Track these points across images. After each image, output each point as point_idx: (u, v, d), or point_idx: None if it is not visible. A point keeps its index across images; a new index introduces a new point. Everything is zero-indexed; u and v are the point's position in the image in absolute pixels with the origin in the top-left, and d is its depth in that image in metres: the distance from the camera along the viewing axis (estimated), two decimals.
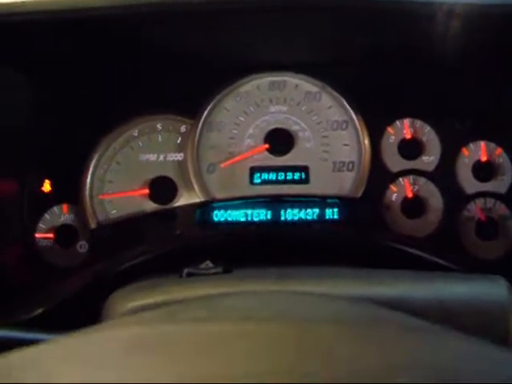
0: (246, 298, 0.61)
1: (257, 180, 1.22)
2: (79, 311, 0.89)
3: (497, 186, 1.20)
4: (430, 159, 1.21)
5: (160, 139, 1.23)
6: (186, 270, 0.84)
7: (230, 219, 1.20)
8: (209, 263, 0.86)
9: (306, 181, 1.21)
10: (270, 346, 0.42)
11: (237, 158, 1.22)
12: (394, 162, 1.21)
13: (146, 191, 1.21)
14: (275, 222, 1.20)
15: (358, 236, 1.15)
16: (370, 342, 0.42)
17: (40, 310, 0.99)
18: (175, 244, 1.12)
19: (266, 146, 1.21)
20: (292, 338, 0.43)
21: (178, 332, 0.47)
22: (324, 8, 1.01)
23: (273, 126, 1.22)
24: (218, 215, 1.20)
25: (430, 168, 1.21)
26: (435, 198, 1.20)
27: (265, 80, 1.23)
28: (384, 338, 0.42)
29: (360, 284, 0.73)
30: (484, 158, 1.20)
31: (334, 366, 0.37)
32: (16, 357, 0.45)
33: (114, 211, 1.22)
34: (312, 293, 0.70)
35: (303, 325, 0.45)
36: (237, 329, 0.46)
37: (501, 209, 1.19)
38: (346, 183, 1.21)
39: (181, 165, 1.22)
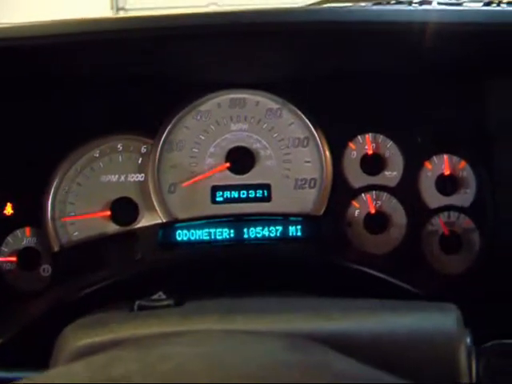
0: (180, 344, 0.60)
1: (219, 199, 1.21)
2: (39, 340, 0.89)
3: (460, 199, 1.20)
4: (392, 174, 1.21)
5: (121, 160, 1.22)
6: (137, 303, 0.84)
7: (192, 239, 1.20)
8: (161, 294, 0.86)
9: (268, 199, 1.21)
10: None
11: (198, 178, 1.21)
12: (356, 177, 1.21)
13: (108, 213, 1.21)
14: (238, 241, 1.19)
15: (320, 254, 1.15)
16: None
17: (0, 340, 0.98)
18: (136, 268, 1.12)
19: (227, 164, 1.21)
20: None
21: None
22: (282, 32, 1.00)
23: (234, 145, 1.22)
24: (181, 235, 1.20)
25: (393, 183, 1.21)
26: (398, 214, 1.20)
27: (225, 98, 1.23)
28: None
29: (307, 319, 0.73)
30: (447, 172, 1.20)
31: None
32: None
33: (77, 233, 1.21)
34: (251, 331, 0.69)
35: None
36: None
37: (465, 222, 1.20)
38: (308, 200, 1.21)
39: (142, 185, 1.22)
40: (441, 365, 0.70)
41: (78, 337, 0.77)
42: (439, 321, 0.73)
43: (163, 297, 0.85)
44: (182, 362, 0.52)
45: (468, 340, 0.73)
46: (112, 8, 2.44)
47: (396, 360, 0.70)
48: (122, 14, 2.32)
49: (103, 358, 0.57)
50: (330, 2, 1.32)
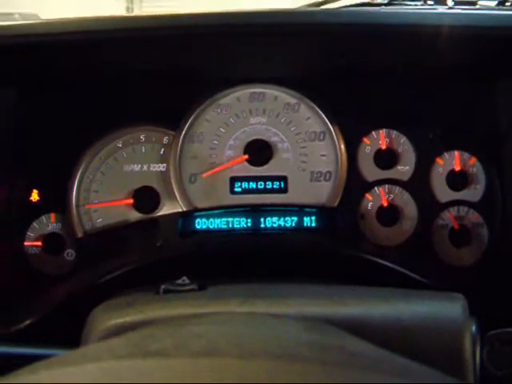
0: (209, 323, 0.65)
1: (237, 189, 1.26)
2: (66, 322, 0.94)
3: (470, 194, 1.24)
4: (404, 169, 1.25)
5: (143, 150, 1.26)
6: (162, 287, 0.88)
7: (211, 227, 1.24)
8: (185, 279, 0.90)
9: (284, 190, 1.25)
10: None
11: (217, 169, 1.26)
12: (369, 171, 1.25)
13: (131, 201, 1.25)
14: (255, 230, 1.24)
15: (334, 244, 1.19)
16: (310, 381, 0.46)
17: (27, 322, 1.03)
18: (157, 255, 1.16)
19: (246, 156, 1.25)
20: (239, 375, 0.47)
21: (143, 368, 0.51)
22: (301, 32, 1.04)
23: (252, 137, 1.26)
24: (200, 223, 1.24)
25: (405, 177, 1.25)
26: (410, 207, 1.24)
27: (245, 92, 1.27)
28: (324, 377, 0.47)
29: (322, 304, 0.78)
30: (458, 168, 1.24)
31: None
32: None
33: (100, 220, 1.26)
34: (272, 314, 0.74)
35: (251, 361, 0.49)
36: (194, 364, 0.50)
37: (474, 217, 1.23)
38: (323, 192, 1.25)
39: (163, 175, 1.26)
40: (446, 351, 0.75)
41: (107, 317, 0.81)
42: (446, 309, 0.77)
43: (187, 281, 0.90)
44: (212, 340, 0.56)
45: (473, 328, 0.77)
46: (127, 11, 2.46)
47: (404, 345, 0.74)
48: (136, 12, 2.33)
49: (139, 335, 0.62)
50: (327, 3, 1.36)
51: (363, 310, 0.76)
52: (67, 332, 0.87)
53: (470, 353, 0.73)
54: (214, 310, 0.77)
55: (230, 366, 0.49)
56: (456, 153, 1.24)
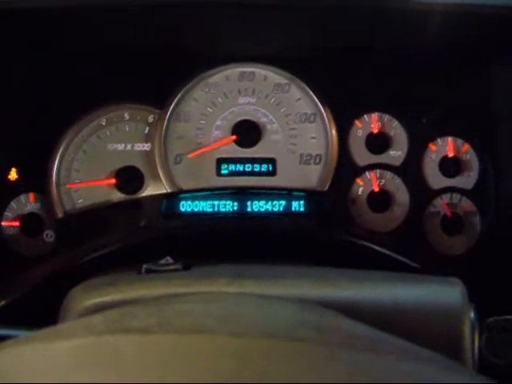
0: (195, 301, 0.61)
1: (224, 171, 1.22)
2: (43, 303, 0.90)
3: (463, 181, 1.21)
4: (397, 154, 1.22)
5: (127, 129, 1.22)
6: (144, 266, 0.84)
7: (196, 210, 1.20)
8: (168, 259, 0.86)
9: (272, 173, 1.22)
10: (209, 363, 0.43)
11: (204, 149, 1.22)
12: (361, 155, 1.22)
13: (113, 181, 1.21)
14: (242, 214, 1.20)
15: (323, 229, 1.15)
16: (306, 361, 0.42)
17: (3, 302, 0.99)
18: (140, 235, 1.12)
19: (234, 137, 1.22)
20: (230, 354, 0.43)
21: (123, 345, 0.47)
22: (291, 7, 1.01)
23: (241, 118, 1.23)
24: (185, 206, 1.20)
25: (397, 163, 1.22)
26: (401, 193, 1.21)
27: (234, 71, 1.23)
28: (320, 357, 0.43)
29: (315, 286, 0.74)
30: (451, 154, 1.21)
31: None
32: None
33: (81, 200, 1.22)
34: (263, 295, 0.70)
35: (243, 339, 0.45)
36: (180, 342, 0.46)
37: (467, 204, 1.21)
38: (313, 176, 1.22)
39: (148, 155, 1.22)
40: (445, 337, 0.71)
41: (86, 296, 0.77)
42: (445, 294, 0.74)
43: (171, 261, 0.85)
44: (198, 318, 0.52)
45: (472, 314, 0.74)
46: None
47: (401, 329, 0.71)
48: None
49: (117, 313, 0.58)
50: None
51: (357, 292, 0.72)
52: (45, 313, 0.82)
53: (470, 339, 0.70)
54: (199, 289, 0.73)
55: (219, 343, 0.45)
56: (449, 139, 1.22)
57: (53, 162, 1.21)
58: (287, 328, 0.51)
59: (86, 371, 0.44)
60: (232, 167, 1.22)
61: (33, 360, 0.48)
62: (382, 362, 0.44)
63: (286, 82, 1.23)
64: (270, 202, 1.20)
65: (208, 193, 1.21)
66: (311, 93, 1.22)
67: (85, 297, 0.77)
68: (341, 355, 0.44)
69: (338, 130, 1.22)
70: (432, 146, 1.22)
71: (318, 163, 1.21)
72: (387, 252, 1.03)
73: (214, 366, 0.43)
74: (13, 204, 1.21)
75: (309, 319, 0.56)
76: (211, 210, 1.20)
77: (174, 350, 0.45)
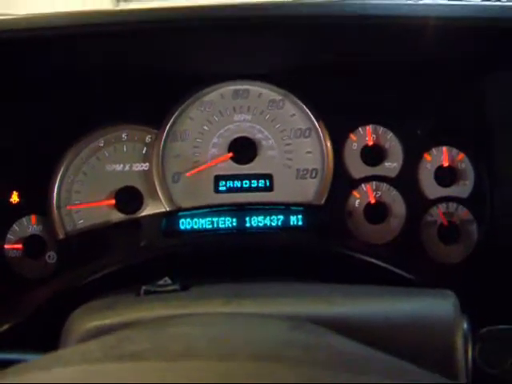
0: (190, 324, 0.63)
1: (222, 188, 1.23)
2: (47, 325, 0.91)
3: (459, 190, 1.22)
4: (392, 165, 1.23)
5: (125, 149, 1.24)
6: (143, 288, 0.86)
7: (196, 227, 1.22)
8: (167, 279, 0.88)
9: (270, 188, 1.23)
10: None
11: (201, 167, 1.23)
12: (356, 168, 1.23)
13: (112, 201, 1.22)
14: (241, 229, 1.21)
15: (321, 243, 1.17)
16: (293, 381, 0.44)
17: (6, 326, 1.00)
18: (141, 255, 1.14)
19: (230, 154, 1.23)
20: (218, 378, 0.45)
21: (117, 372, 0.49)
22: (284, 26, 1.02)
23: (237, 135, 1.24)
24: (184, 223, 1.22)
25: (393, 174, 1.23)
26: (398, 204, 1.22)
27: (228, 89, 1.25)
28: (305, 378, 0.44)
29: (308, 303, 0.75)
30: (446, 164, 1.22)
31: None
32: None
33: (82, 221, 1.23)
34: (257, 314, 0.72)
35: (231, 363, 0.47)
36: (171, 368, 0.48)
37: (463, 213, 1.22)
38: (310, 190, 1.23)
39: (146, 174, 1.23)
40: (438, 349, 0.73)
41: (86, 320, 0.79)
42: (437, 306, 0.75)
43: (169, 282, 0.87)
44: (191, 342, 0.54)
45: (465, 325, 0.75)
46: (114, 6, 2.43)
47: (394, 344, 0.72)
48: (122, 6, 2.30)
49: (115, 338, 0.60)
50: None
51: (349, 308, 0.74)
52: (47, 336, 0.84)
53: (462, 351, 0.71)
54: (196, 310, 0.74)
55: (209, 368, 0.46)
56: (444, 148, 1.23)
57: (53, 184, 1.23)
58: (275, 348, 0.52)
59: None
60: (230, 184, 1.23)
61: None
62: (368, 382, 0.45)
63: (280, 98, 1.24)
64: (268, 217, 1.21)
65: (207, 210, 1.22)
66: (305, 108, 1.23)
67: (85, 320, 0.79)
68: (325, 377, 0.45)
69: (333, 144, 1.23)
70: (427, 156, 1.23)
71: (315, 177, 1.23)
72: (383, 264, 1.04)
73: None
74: (15, 226, 1.23)
75: (297, 338, 0.57)
76: (210, 226, 1.22)
77: (165, 377, 0.46)
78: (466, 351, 0.74)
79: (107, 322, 0.77)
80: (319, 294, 0.78)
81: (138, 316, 0.76)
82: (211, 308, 0.75)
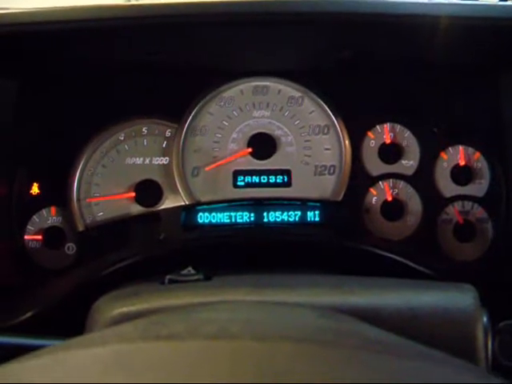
0: (219, 310, 0.64)
1: (240, 183, 1.25)
2: (67, 314, 0.92)
3: (475, 189, 1.23)
4: (409, 163, 1.24)
5: (145, 143, 1.25)
6: (168, 277, 0.87)
7: (214, 221, 1.23)
8: (190, 269, 0.89)
9: (288, 184, 1.24)
10: (234, 366, 0.45)
11: (221, 162, 1.25)
12: (374, 165, 1.25)
13: (132, 194, 1.24)
14: (258, 224, 1.22)
15: (338, 238, 1.17)
16: (326, 363, 0.45)
17: (29, 314, 1.01)
18: (160, 247, 1.15)
19: (249, 150, 1.24)
20: (254, 357, 0.46)
21: (154, 350, 0.50)
22: (306, 21, 1.03)
23: (256, 131, 1.25)
24: (203, 217, 1.23)
25: (410, 172, 1.24)
26: (414, 202, 1.23)
27: (248, 85, 1.26)
28: (339, 359, 0.45)
29: (332, 293, 0.76)
30: (462, 162, 1.23)
31: None
32: None
33: (101, 214, 1.24)
34: (283, 302, 0.73)
35: (266, 343, 0.48)
36: (208, 347, 0.49)
37: (478, 212, 1.23)
38: (328, 186, 1.24)
39: (166, 168, 1.25)
40: (458, 341, 0.73)
41: (112, 307, 0.79)
42: (458, 299, 0.76)
43: (192, 272, 0.88)
44: (224, 325, 0.55)
45: (485, 318, 0.76)
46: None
47: (414, 335, 0.73)
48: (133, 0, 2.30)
49: (147, 321, 0.61)
50: None
51: (373, 299, 0.75)
52: (70, 325, 0.85)
53: (483, 343, 0.72)
54: (221, 298, 0.75)
55: (246, 348, 0.47)
56: (460, 147, 1.24)
57: (73, 177, 1.24)
58: (306, 332, 0.53)
59: (120, 376, 0.46)
60: (248, 179, 1.25)
61: (69, 366, 0.50)
62: (400, 363, 0.46)
63: (299, 95, 1.25)
64: (285, 213, 1.22)
65: (225, 204, 1.23)
66: (324, 105, 1.25)
67: (111, 307, 0.79)
68: (360, 357, 0.46)
69: (352, 141, 1.24)
70: (444, 155, 1.24)
71: (333, 174, 1.24)
72: (401, 260, 1.05)
73: (239, 369, 0.45)
74: (35, 218, 1.24)
75: (326, 324, 0.58)
76: (228, 221, 1.23)
77: (203, 355, 0.48)
78: (485, 344, 0.75)
79: (133, 308, 0.77)
80: (341, 285, 0.78)
81: (165, 303, 0.77)
82: (236, 296, 0.76)
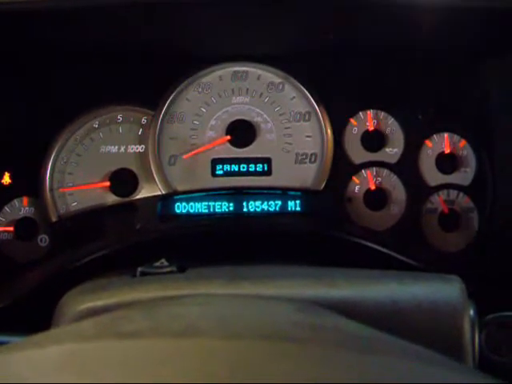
0: (190, 304, 0.60)
1: (219, 172, 1.21)
2: (39, 307, 0.88)
3: (460, 178, 1.21)
4: (393, 151, 1.21)
5: (121, 131, 1.22)
6: (139, 269, 0.83)
7: (192, 211, 1.19)
8: (164, 261, 0.85)
9: (268, 173, 1.21)
10: (203, 366, 0.41)
11: (198, 150, 1.21)
12: (356, 153, 1.21)
13: (107, 184, 1.20)
14: (238, 214, 1.19)
15: (319, 229, 1.14)
16: (301, 362, 0.41)
17: None
18: (135, 238, 1.11)
19: (228, 137, 1.21)
20: (224, 357, 0.42)
21: (114, 349, 0.46)
22: (287, 3, 0.99)
23: (235, 118, 1.22)
24: (180, 207, 1.19)
25: (393, 160, 1.21)
26: (398, 190, 1.20)
27: (227, 70, 1.22)
28: (316, 357, 0.42)
29: (312, 285, 0.73)
30: (447, 150, 1.20)
31: None
32: None
33: (75, 204, 1.21)
34: (259, 296, 0.69)
35: (237, 342, 0.44)
36: (174, 345, 0.45)
37: (464, 201, 1.20)
38: (309, 175, 1.21)
39: (142, 157, 1.21)
40: (445, 333, 0.70)
41: (79, 301, 0.76)
42: (444, 291, 0.73)
43: (165, 264, 0.84)
44: (193, 321, 0.51)
45: (472, 310, 0.73)
46: None
47: (400, 328, 0.70)
48: None
49: (109, 317, 0.57)
50: None
51: (355, 291, 0.71)
52: (39, 318, 0.81)
53: (470, 336, 0.69)
54: (194, 291, 0.72)
55: (213, 347, 0.43)
56: (446, 135, 1.21)
57: (46, 166, 1.20)
58: (282, 328, 0.50)
59: (73, 375, 0.43)
60: (227, 167, 1.21)
61: (23, 366, 0.46)
62: (379, 362, 0.43)
63: (279, 80, 1.22)
64: (265, 202, 1.19)
65: (203, 194, 1.20)
66: (305, 91, 1.21)
67: (78, 301, 0.75)
68: (336, 355, 0.43)
69: (333, 129, 1.21)
70: (428, 143, 1.21)
71: (314, 162, 1.21)
72: (385, 250, 1.01)
73: (207, 369, 0.41)
74: (6, 208, 1.20)
75: (304, 319, 0.55)
76: (207, 210, 1.19)
77: (166, 354, 0.44)
78: (472, 337, 0.72)
79: (101, 302, 0.73)
80: (322, 277, 0.75)
81: (134, 297, 0.73)
82: (210, 289, 0.72)
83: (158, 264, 0.84)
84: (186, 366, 0.42)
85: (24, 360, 0.46)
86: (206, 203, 1.19)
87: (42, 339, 0.52)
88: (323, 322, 0.55)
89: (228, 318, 0.53)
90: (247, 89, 1.22)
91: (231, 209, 1.19)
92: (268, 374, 0.39)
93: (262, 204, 1.19)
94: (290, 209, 1.19)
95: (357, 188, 1.21)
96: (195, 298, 0.64)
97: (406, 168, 1.21)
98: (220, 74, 1.22)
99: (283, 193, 1.19)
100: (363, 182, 1.20)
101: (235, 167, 1.21)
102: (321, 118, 1.20)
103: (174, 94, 1.21)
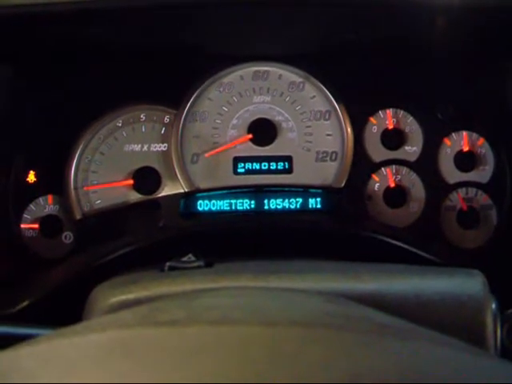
0: (222, 296, 0.62)
1: (240, 170, 1.23)
2: (64, 303, 0.90)
3: (479, 175, 1.22)
4: (412, 149, 1.22)
5: (144, 129, 1.23)
6: (167, 264, 0.85)
7: (214, 209, 1.21)
8: (191, 256, 0.87)
9: (289, 171, 1.23)
10: (242, 352, 0.43)
11: (220, 148, 1.23)
12: (376, 151, 1.23)
13: (131, 182, 1.22)
14: (259, 212, 1.21)
15: (340, 226, 1.16)
16: (339, 347, 0.43)
17: (25, 303, 0.99)
18: (158, 235, 1.13)
19: (250, 136, 1.22)
20: (263, 343, 0.44)
21: (155, 336, 0.48)
22: (309, 3, 1.01)
23: (256, 117, 1.23)
24: (202, 205, 1.21)
25: (413, 158, 1.22)
26: (417, 188, 1.21)
27: (248, 70, 1.24)
28: (353, 343, 0.43)
29: (337, 279, 0.74)
30: (466, 148, 1.21)
31: (300, 374, 0.38)
32: None
33: (99, 201, 1.22)
34: (287, 289, 0.71)
35: (274, 329, 0.46)
36: (212, 332, 0.47)
37: (482, 198, 1.21)
38: (329, 173, 1.22)
39: (165, 155, 1.23)
40: (467, 327, 0.71)
41: (110, 294, 0.77)
42: (467, 285, 0.74)
43: (193, 259, 0.86)
44: (227, 312, 0.53)
45: (494, 304, 0.74)
46: None
47: (423, 321, 0.71)
48: None
49: (147, 308, 0.59)
50: None
51: (379, 285, 0.73)
52: (67, 314, 0.83)
53: (492, 330, 0.70)
54: (223, 285, 0.73)
55: (250, 333, 0.45)
56: (464, 133, 1.22)
57: (70, 164, 1.22)
58: (316, 316, 0.51)
59: (118, 362, 0.45)
60: (249, 165, 1.23)
61: (66, 352, 0.48)
62: (415, 347, 0.45)
63: (300, 80, 1.23)
64: (286, 200, 1.20)
65: (225, 191, 1.21)
66: (326, 90, 1.23)
67: (109, 294, 0.77)
68: (372, 341, 0.44)
69: (354, 127, 1.22)
70: (447, 141, 1.22)
71: (334, 160, 1.22)
72: (405, 246, 1.03)
73: (245, 355, 0.43)
74: (32, 206, 1.22)
75: (335, 309, 0.56)
76: (228, 208, 1.21)
77: (206, 341, 0.46)
78: (494, 330, 0.73)
79: (132, 296, 0.75)
80: (347, 271, 0.76)
81: (165, 290, 0.75)
82: (238, 283, 0.74)
83: (185, 259, 0.86)
84: (226, 352, 0.44)
85: (69, 345, 0.48)
86: (228, 201, 1.20)
87: (83, 328, 0.54)
88: (354, 312, 0.57)
89: (261, 308, 0.54)
90: (268, 88, 1.23)
91: (252, 206, 1.21)
92: (307, 359, 0.41)
93: (283, 202, 1.20)
94: (310, 206, 1.20)
95: (377, 186, 1.22)
96: (227, 291, 0.65)
97: (425, 166, 1.22)
98: (241, 74, 1.24)
99: (304, 190, 1.21)
100: (383, 180, 1.22)
101: (256, 165, 1.22)
102: (341, 117, 1.22)
103: (196, 93, 1.23)
